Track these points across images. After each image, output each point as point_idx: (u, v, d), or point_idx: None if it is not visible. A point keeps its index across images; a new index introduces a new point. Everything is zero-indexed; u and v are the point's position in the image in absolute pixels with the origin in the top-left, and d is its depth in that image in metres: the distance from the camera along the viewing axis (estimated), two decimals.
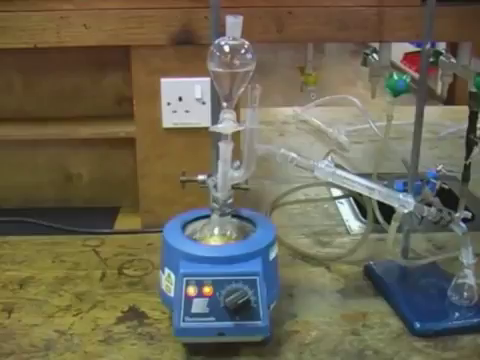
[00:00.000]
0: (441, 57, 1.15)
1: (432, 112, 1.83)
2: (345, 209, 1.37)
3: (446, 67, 1.17)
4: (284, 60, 4.94)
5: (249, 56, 0.87)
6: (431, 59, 1.09)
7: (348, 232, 1.27)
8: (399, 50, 1.46)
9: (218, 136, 0.90)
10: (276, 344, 0.93)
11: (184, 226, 0.97)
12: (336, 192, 1.43)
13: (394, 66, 1.23)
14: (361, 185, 0.92)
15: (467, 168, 1.10)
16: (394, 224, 0.99)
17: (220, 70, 0.87)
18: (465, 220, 0.99)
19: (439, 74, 1.24)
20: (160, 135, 1.21)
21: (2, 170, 1.33)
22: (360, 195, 1.12)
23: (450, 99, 3.32)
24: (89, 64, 1.27)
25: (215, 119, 0.94)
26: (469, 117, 1.08)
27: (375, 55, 1.22)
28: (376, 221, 1.18)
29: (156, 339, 0.94)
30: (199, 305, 0.87)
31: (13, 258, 1.16)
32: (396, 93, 1.04)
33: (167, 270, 0.91)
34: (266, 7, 1.13)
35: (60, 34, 1.13)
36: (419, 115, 1.01)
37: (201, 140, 1.16)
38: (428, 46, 0.97)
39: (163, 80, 1.17)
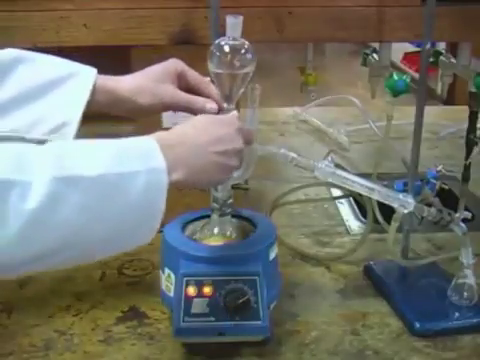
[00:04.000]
0: (441, 57, 1.15)
1: (432, 112, 1.83)
2: (345, 209, 1.37)
3: (446, 67, 1.17)
4: (284, 60, 4.94)
5: (249, 56, 0.87)
6: (431, 59, 1.09)
7: (348, 232, 1.27)
8: (399, 50, 1.46)
9: None
10: (276, 344, 0.93)
11: (184, 226, 0.97)
12: (336, 192, 1.43)
13: (394, 66, 1.23)
14: (361, 185, 0.92)
15: (467, 168, 1.10)
16: (394, 224, 0.99)
17: (220, 71, 0.87)
18: (465, 220, 0.99)
19: (439, 74, 1.24)
20: None
21: None
22: (360, 195, 1.12)
23: (450, 99, 3.31)
24: (89, 64, 1.27)
25: None
26: (469, 117, 1.08)
27: (375, 55, 1.22)
28: (376, 221, 1.18)
29: (156, 339, 0.94)
30: (199, 305, 0.87)
31: None
32: (396, 93, 1.04)
33: (167, 270, 0.91)
34: (266, 7, 1.13)
35: (60, 34, 1.12)
36: (419, 115, 1.01)
37: None
38: (428, 46, 0.97)
39: None
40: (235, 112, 0.87)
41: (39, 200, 0.61)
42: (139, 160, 0.69)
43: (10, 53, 0.87)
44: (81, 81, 0.88)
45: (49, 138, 0.87)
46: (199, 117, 0.82)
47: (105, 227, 0.67)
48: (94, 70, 0.90)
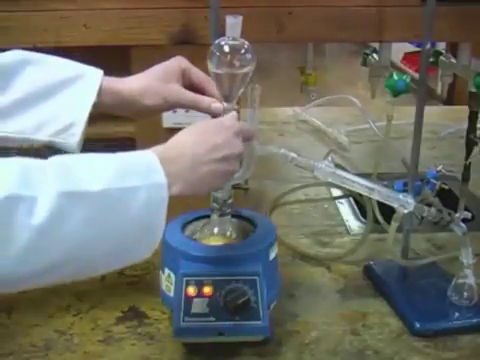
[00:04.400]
0: (441, 57, 1.15)
1: (432, 112, 1.83)
2: (345, 209, 1.37)
3: (446, 67, 1.17)
4: (284, 60, 4.94)
5: (249, 56, 0.87)
6: (431, 59, 1.09)
7: (348, 232, 1.27)
8: (399, 50, 1.46)
9: None
10: (276, 344, 0.93)
11: (184, 226, 0.97)
12: (336, 192, 1.43)
13: (394, 66, 1.24)
14: (361, 185, 0.92)
15: (467, 168, 1.10)
16: (394, 224, 0.99)
17: (220, 70, 0.87)
18: (465, 220, 0.99)
19: (439, 74, 1.24)
20: (160, 135, 1.20)
21: None
22: (360, 195, 1.12)
23: (450, 99, 3.32)
24: (89, 64, 1.27)
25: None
26: (469, 117, 1.08)
27: (375, 55, 1.22)
28: (376, 221, 1.18)
29: (156, 339, 0.94)
30: (199, 305, 0.87)
31: None
32: (396, 93, 1.04)
33: (167, 270, 0.91)
34: (266, 7, 1.13)
35: (60, 34, 1.13)
36: (419, 115, 1.01)
37: None
38: (428, 46, 0.97)
39: None
40: (234, 113, 0.87)
41: (45, 215, 0.62)
42: (140, 175, 0.70)
43: (17, 55, 0.88)
44: (87, 82, 0.88)
45: (55, 139, 0.87)
46: (196, 125, 0.81)
47: (108, 241, 0.68)
48: (100, 71, 0.90)
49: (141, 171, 0.70)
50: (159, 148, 0.75)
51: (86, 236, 0.66)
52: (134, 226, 0.70)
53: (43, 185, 0.63)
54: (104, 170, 0.69)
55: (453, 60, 1.15)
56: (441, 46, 1.26)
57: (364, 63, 1.25)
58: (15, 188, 0.61)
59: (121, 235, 0.69)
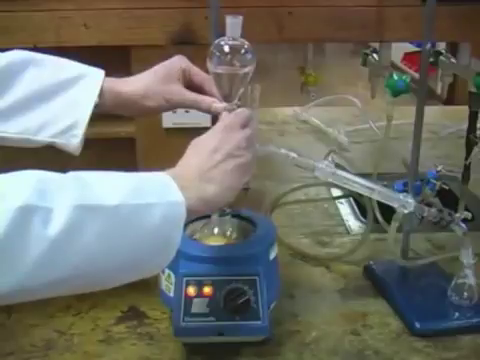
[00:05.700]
0: (441, 57, 1.15)
1: (432, 112, 1.83)
2: (345, 209, 1.37)
3: (446, 67, 1.17)
4: (284, 60, 4.93)
5: (249, 56, 0.86)
6: (431, 59, 1.09)
7: (348, 232, 1.27)
8: (399, 50, 1.46)
9: None
10: (276, 344, 0.93)
11: (184, 226, 0.96)
12: (336, 192, 1.43)
13: (394, 66, 1.23)
14: (361, 185, 0.92)
15: (467, 168, 1.10)
16: (394, 224, 0.99)
17: (220, 70, 0.86)
18: (465, 220, 0.99)
19: (439, 74, 1.24)
20: (160, 135, 1.20)
21: (1, 170, 1.33)
22: (360, 195, 1.12)
23: (450, 99, 3.31)
24: (89, 64, 1.27)
25: (215, 119, 0.94)
26: (469, 117, 1.08)
27: (375, 55, 1.22)
28: (376, 221, 1.18)
29: (156, 339, 0.94)
30: (199, 305, 0.87)
31: None
32: (396, 93, 1.04)
33: (167, 270, 0.91)
34: (266, 7, 1.13)
35: (60, 34, 1.13)
36: (419, 115, 1.01)
37: None
38: (428, 46, 0.97)
39: None
40: (224, 112, 0.87)
41: (61, 226, 0.62)
42: (156, 193, 0.70)
43: (19, 55, 0.87)
44: (89, 83, 0.88)
45: (56, 140, 0.87)
46: (196, 141, 0.81)
47: (121, 255, 0.68)
48: (102, 72, 0.90)
49: (157, 189, 0.70)
50: (169, 172, 0.75)
51: (99, 251, 0.65)
52: (149, 242, 0.69)
53: (59, 197, 0.63)
54: (120, 186, 0.69)
55: (453, 60, 1.15)
56: (441, 46, 1.25)
57: (364, 63, 1.25)
58: (31, 199, 0.61)
59: (135, 250, 0.69)
